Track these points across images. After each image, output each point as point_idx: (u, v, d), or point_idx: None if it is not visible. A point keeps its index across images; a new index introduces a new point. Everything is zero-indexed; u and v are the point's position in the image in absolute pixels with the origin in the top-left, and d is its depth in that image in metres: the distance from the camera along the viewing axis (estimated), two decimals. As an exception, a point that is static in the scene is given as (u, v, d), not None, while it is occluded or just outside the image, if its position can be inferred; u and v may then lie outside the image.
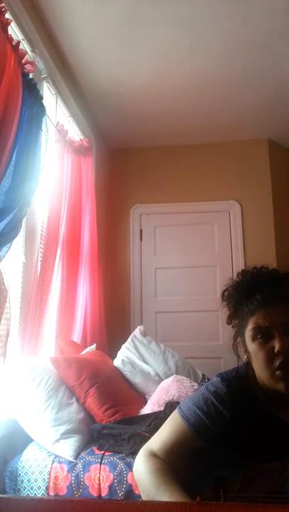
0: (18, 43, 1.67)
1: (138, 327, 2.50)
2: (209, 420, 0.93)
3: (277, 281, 0.98)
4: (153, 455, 0.94)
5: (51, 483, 1.49)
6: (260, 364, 0.92)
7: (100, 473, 1.46)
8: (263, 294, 0.94)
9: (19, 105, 1.61)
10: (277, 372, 0.89)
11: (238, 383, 0.98)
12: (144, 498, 0.88)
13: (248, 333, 0.94)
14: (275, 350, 0.89)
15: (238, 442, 0.94)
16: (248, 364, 0.99)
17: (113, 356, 2.23)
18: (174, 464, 0.91)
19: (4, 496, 1.11)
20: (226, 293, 1.02)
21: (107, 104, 3.03)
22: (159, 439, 0.97)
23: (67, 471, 1.49)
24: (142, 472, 0.91)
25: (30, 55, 2.02)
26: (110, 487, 1.43)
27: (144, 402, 1.96)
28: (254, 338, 0.93)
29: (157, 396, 1.84)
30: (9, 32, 1.61)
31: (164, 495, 0.82)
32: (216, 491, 0.89)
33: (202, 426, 0.93)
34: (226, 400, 0.95)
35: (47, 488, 1.48)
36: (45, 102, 1.92)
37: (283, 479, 0.89)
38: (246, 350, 0.97)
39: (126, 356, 2.20)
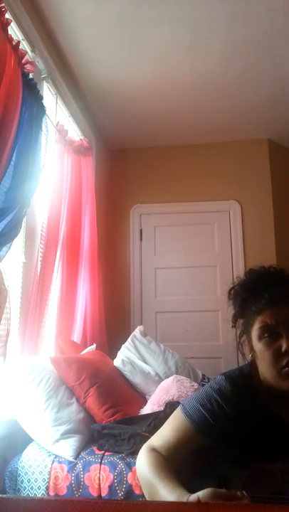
0: (18, 43, 1.67)
1: (138, 327, 2.50)
2: (212, 418, 0.93)
3: (285, 281, 0.97)
4: (154, 450, 0.94)
5: (51, 483, 1.49)
6: (267, 363, 0.91)
7: (100, 473, 1.46)
8: (270, 293, 0.93)
9: (19, 105, 1.61)
10: (284, 370, 0.88)
11: (241, 382, 0.97)
12: (143, 489, 0.89)
13: (255, 332, 0.94)
14: (283, 349, 0.89)
15: (240, 442, 0.94)
16: (252, 363, 0.98)
17: (113, 356, 2.23)
18: (175, 461, 0.91)
19: (4, 496, 1.11)
20: (232, 291, 1.01)
21: (107, 104, 3.03)
22: (161, 436, 0.97)
23: (67, 471, 1.49)
24: (142, 466, 0.91)
25: (30, 55, 2.02)
26: (110, 487, 1.43)
27: (144, 402, 1.95)
28: (261, 337, 0.92)
29: (157, 396, 1.84)
30: (9, 32, 1.61)
31: (161, 487, 0.83)
32: None
33: (205, 423, 0.93)
34: (230, 398, 0.95)
35: (47, 488, 1.48)
36: (45, 102, 1.92)
37: (285, 480, 0.89)
38: (251, 349, 0.97)
39: (126, 356, 2.20)
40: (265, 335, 0.92)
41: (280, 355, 0.89)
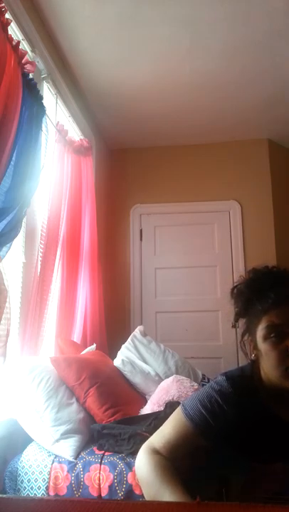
0: (18, 43, 1.67)
1: (138, 327, 2.50)
2: (212, 419, 0.93)
3: None
4: (155, 452, 0.93)
5: (51, 483, 1.49)
6: (272, 363, 0.90)
7: (100, 473, 1.46)
8: (276, 293, 0.92)
9: (19, 105, 1.61)
10: None
11: (242, 383, 0.97)
12: (145, 495, 0.88)
13: (260, 331, 0.93)
14: None
15: (240, 442, 0.93)
16: (254, 363, 0.98)
17: (113, 356, 2.23)
18: (176, 462, 0.91)
19: (4, 496, 1.11)
20: (235, 290, 1.00)
21: (107, 104, 3.03)
22: (162, 436, 0.96)
23: (67, 471, 1.49)
24: (144, 469, 0.90)
25: (30, 55, 2.02)
26: (110, 487, 1.43)
27: (144, 402, 1.95)
28: (267, 337, 0.91)
29: (157, 396, 1.84)
30: (9, 32, 1.61)
31: (166, 493, 0.82)
32: (218, 490, 0.89)
33: (205, 424, 0.93)
34: (231, 399, 0.94)
35: (47, 488, 1.48)
36: (45, 102, 1.92)
37: (286, 481, 0.89)
38: (255, 348, 0.96)
39: (126, 356, 2.20)
40: (272, 335, 0.91)
41: (286, 356, 0.88)
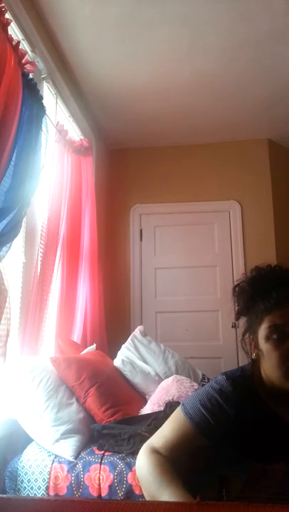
0: (18, 43, 1.67)
1: (138, 327, 2.50)
2: (213, 418, 0.92)
3: None
4: (155, 451, 0.93)
5: (51, 483, 1.49)
6: (273, 363, 0.90)
7: (100, 473, 1.46)
8: (280, 293, 0.91)
9: (19, 105, 1.61)
10: None
11: (243, 382, 0.97)
12: (145, 493, 0.88)
13: (262, 331, 0.92)
14: None
15: (241, 442, 0.93)
16: (254, 363, 0.98)
17: (113, 356, 2.23)
18: (176, 461, 0.91)
19: (4, 496, 1.11)
20: (237, 288, 0.99)
21: (107, 104, 3.03)
22: (162, 435, 0.96)
23: (67, 471, 1.49)
24: (144, 468, 0.90)
25: (30, 55, 2.02)
26: (110, 487, 1.43)
27: (144, 402, 1.96)
28: (269, 337, 0.91)
29: (157, 396, 1.84)
30: (9, 32, 1.61)
31: (166, 492, 0.82)
32: (218, 490, 0.89)
33: (205, 424, 0.92)
34: (231, 398, 0.94)
35: (47, 488, 1.48)
36: (45, 102, 1.92)
37: (286, 481, 0.89)
38: (256, 348, 0.95)
39: (126, 356, 2.20)
40: (274, 335, 0.90)
41: (288, 357, 0.88)
